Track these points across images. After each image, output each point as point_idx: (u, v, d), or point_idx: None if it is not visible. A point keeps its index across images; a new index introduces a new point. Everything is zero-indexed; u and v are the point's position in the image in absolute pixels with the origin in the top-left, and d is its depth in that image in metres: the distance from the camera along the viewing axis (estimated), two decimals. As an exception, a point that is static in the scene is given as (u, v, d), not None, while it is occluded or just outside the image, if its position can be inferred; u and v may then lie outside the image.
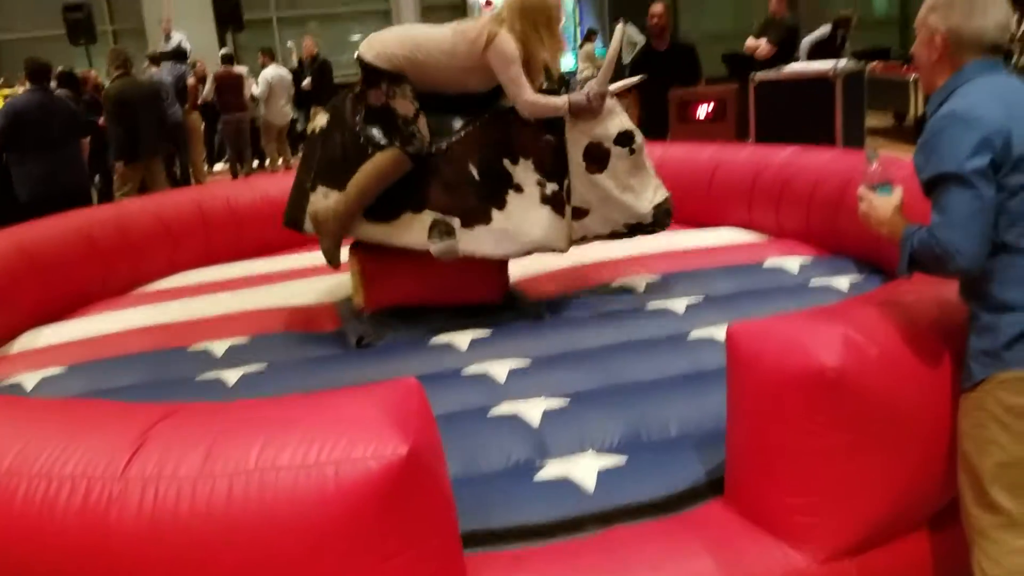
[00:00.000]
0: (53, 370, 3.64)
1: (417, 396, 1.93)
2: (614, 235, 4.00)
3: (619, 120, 3.85)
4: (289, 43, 11.93)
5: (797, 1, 10.69)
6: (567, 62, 14.42)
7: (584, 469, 2.56)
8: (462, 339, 3.68)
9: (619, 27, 3.98)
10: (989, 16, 2.02)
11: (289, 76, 11.12)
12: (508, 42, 3.62)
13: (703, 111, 7.52)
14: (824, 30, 8.82)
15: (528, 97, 3.68)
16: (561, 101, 3.72)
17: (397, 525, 1.69)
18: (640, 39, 8.75)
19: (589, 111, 3.75)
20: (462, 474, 2.53)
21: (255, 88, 10.98)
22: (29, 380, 3.55)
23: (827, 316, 2.27)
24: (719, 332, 3.37)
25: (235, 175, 11.03)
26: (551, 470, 2.59)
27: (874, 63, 10.93)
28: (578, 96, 3.74)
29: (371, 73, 3.71)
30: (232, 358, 3.68)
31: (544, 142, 3.76)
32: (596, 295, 4.24)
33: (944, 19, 2.04)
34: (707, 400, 2.83)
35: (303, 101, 11.47)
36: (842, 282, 4.07)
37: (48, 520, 1.66)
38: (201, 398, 3.22)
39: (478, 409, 3.00)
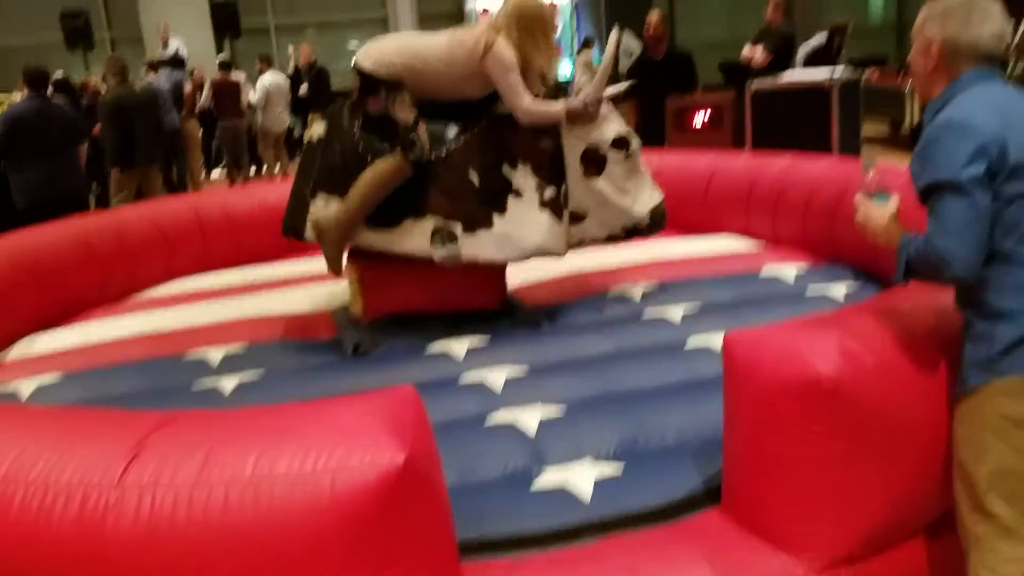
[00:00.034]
0: (49, 378, 3.63)
1: (414, 404, 1.93)
2: (611, 239, 4.02)
3: (615, 125, 3.88)
4: (290, 47, 11.92)
5: (793, 9, 10.72)
6: (564, 70, 14.49)
7: (581, 477, 2.56)
8: (459, 347, 3.68)
9: (614, 33, 4.00)
10: (985, 26, 2.03)
11: (287, 83, 11.13)
12: (506, 50, 3.63)
13: (700, 119, 7.55)
14: (820, 38, 8.84)
15: (526, 104, 3.69)
16: (558, 107, 3.73)
17: (394, 534, 1.69)
18: (637, 48, 8.77)
19: (586, 116, 3.78)
20: (459, 483, 2.52)
21: (252, 95, 10.99)
22: (25, 388, 3.55)
23: (823, 325, 2.27)
24: (716, 340, 3.37)
25: (232, 181, 11.03)
26: (548, 479, 2.59)
27: (870, 69, 10.96)
28: (575, 102, 3.75)
29: (369, 81, 3.72)
30: (228, 366, 3.68)
31: (541, 147, 3.77)
32: (593, 303, 4.24)
33: (941, 29, 2.05)
34: (704, 408, 2.83)
35: (300, 108, 11.48)
36: (838, 290, 4.08)
37: (45, 528, 1.66)
38: (198, 406, 3.22)
39: (475, 417, 3.00)
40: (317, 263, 5.12)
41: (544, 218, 3.73)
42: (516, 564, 2.20)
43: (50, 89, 7.59)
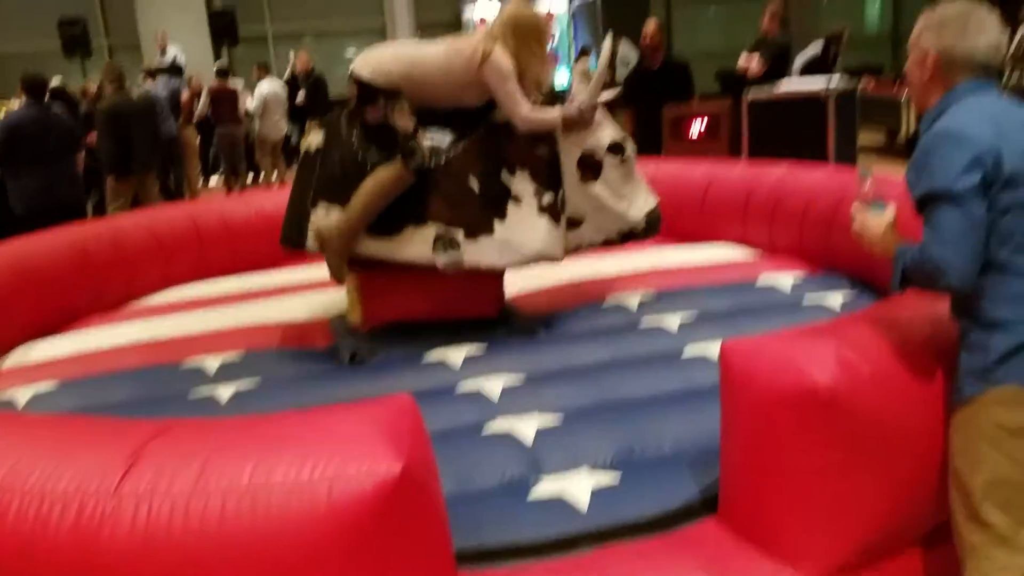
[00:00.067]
0: (46, 386, 3.63)
1: (411, 413, 1.92)
2: (607, 243, 4.05)
3: (610, 130, 3.91)
4: (292, 53, 11.93)
5: (789, 19, 10.74)
6: (562, 78, 14.51)
7: (578, 487, 2.56)
8: (456, 355, 3.68)
9: (607, 39, 4.02)
10: (981, 37, 2.04)
11: (284, 91, 11.14)
12: (503, 58, 3.65)
13: (696, 128, 7.56)
14: (816, 48, 8.86)
15: (525, 112, 3.71)
16: (555, 114, 3.76)
17: (391, 543, 1.69)
18: (633, 57, 8.79)
19: (581, 122, 3.80)
20: (456, 492, 2.52)
21: (250, 102, 11.00)
22: (22, 396, 3.54)
23: (820, 334, 2.28)
24: (712, 349, 3.38)
25: (230, 189, 11.03)
26: (545, 488, 2.59)
27: (866, 77, 10.98)
28: (570, 108, 3.78)
29: (367, 90, 3.73)
30: (225, 374, 3.68)
31: (538, 154, 3.80)
32: (590, 312, 4.25)
33: (937, 39, 2.06)
34: (701, 417, 2.83)
35: (298, 115, 11.49)
36: (835, 299, 4.09)
37: (41, 537, 1.65)
38: (194, 415, 3.22)
39: (472, 426, 3.00)
40: (314, 271, 5.15)
41: (543, 223, 3.75)
42: (513, 573, 2.20)
43: (46, 97, 7.58)
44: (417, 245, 3.76)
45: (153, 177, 8.00)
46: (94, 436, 1.87)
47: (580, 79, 4.04)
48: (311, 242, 3.87)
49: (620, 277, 4.72)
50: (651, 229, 4.03)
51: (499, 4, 11.76)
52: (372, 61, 3.76)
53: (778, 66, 7.75)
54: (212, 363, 3.80)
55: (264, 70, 11.16)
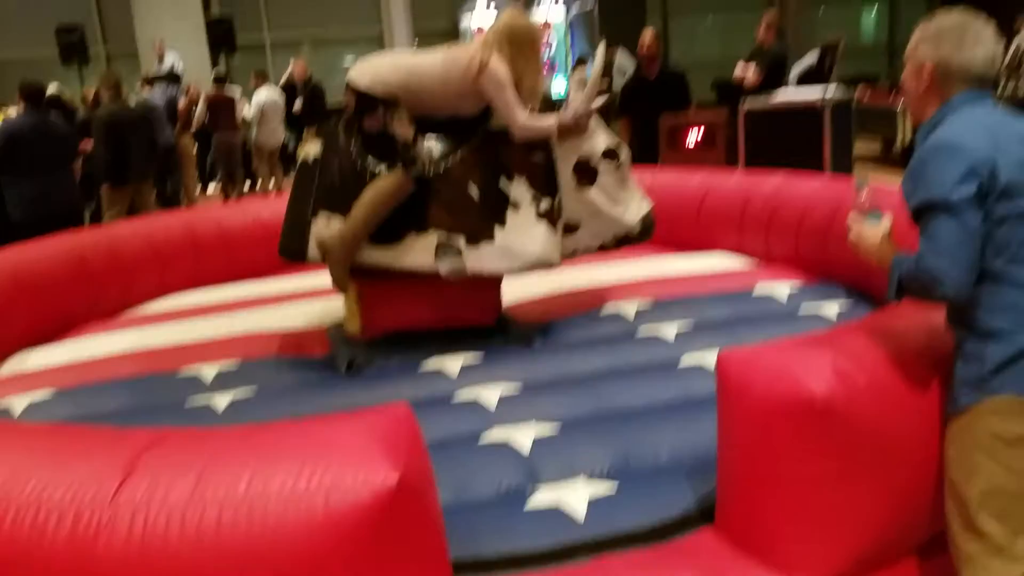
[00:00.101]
0: (42, 394, 3.62)
1: (408, 422, 1.92)
2: (602, 248, 4.07)
3: (604, 136, 3.93)
4: (292, 61, 11.94)
5: (785, 30, 10.79)
6: (559, 87, 14.55)
7: (575, 496, 2.56)
8: (453, 364, 3.68)
9: (600, 46, 4.04)
10: (978, 49, 2.05)
11: (282, 99, 11.15)
12: (501, 67, 3.67)
13: (693, 138, 7.58)
14: (812, 57, 8.89)
15: (522, 120, 3.73)
16: (551, 121, 3.77)
17: (387, 553, 1.69)
18: (630, 66, 8.82)
19: (576, 129, 3.82)
20: (453, 501, 2.52)
21: (247, 110, 11.01)
22: (18, 404, 3.53)
23: (816, 344, 2.28)
24: (709, 359, 3.38)
25: (227, 196, 11.03)
26: (542, 497, 2.59)
27: (862, 87, 11.02)
28: (565, 115, 3.80)
29: (365, 99, 3.74)
30: (222, 383, 3.67)
31: (534, 161, 3.82)
32: (587, 321, 4.25)
33: (933, 51, 2.07)
34: (698, 427, 2.83)
35: (295, 123, 11.50)
36: (831, 309, 4.09)
37: (37, 547, 1.65)
38: (191, 423, 3.21)
39: (469, 435, 3.00)
40: (311, 279, 5.15)
41: (541, 229, 3.76)
42: (510, 583, 2.20)
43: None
44: (419, 253, 3.77)
45: (150, 185, 7.99)
46: (90, 445, 1.87)
47: (577, 87, 4.06)
48: (313, 252, 3.88)
49: (617, 286, 4.73)
50: (645, 233, 4.06)
51: (496, 13, 11.79)
52: (370, 70, 3.77)
53: (774, 76, 7.77)
54: (209, 372, 3.79)
55: (262, 78, 11.17)
